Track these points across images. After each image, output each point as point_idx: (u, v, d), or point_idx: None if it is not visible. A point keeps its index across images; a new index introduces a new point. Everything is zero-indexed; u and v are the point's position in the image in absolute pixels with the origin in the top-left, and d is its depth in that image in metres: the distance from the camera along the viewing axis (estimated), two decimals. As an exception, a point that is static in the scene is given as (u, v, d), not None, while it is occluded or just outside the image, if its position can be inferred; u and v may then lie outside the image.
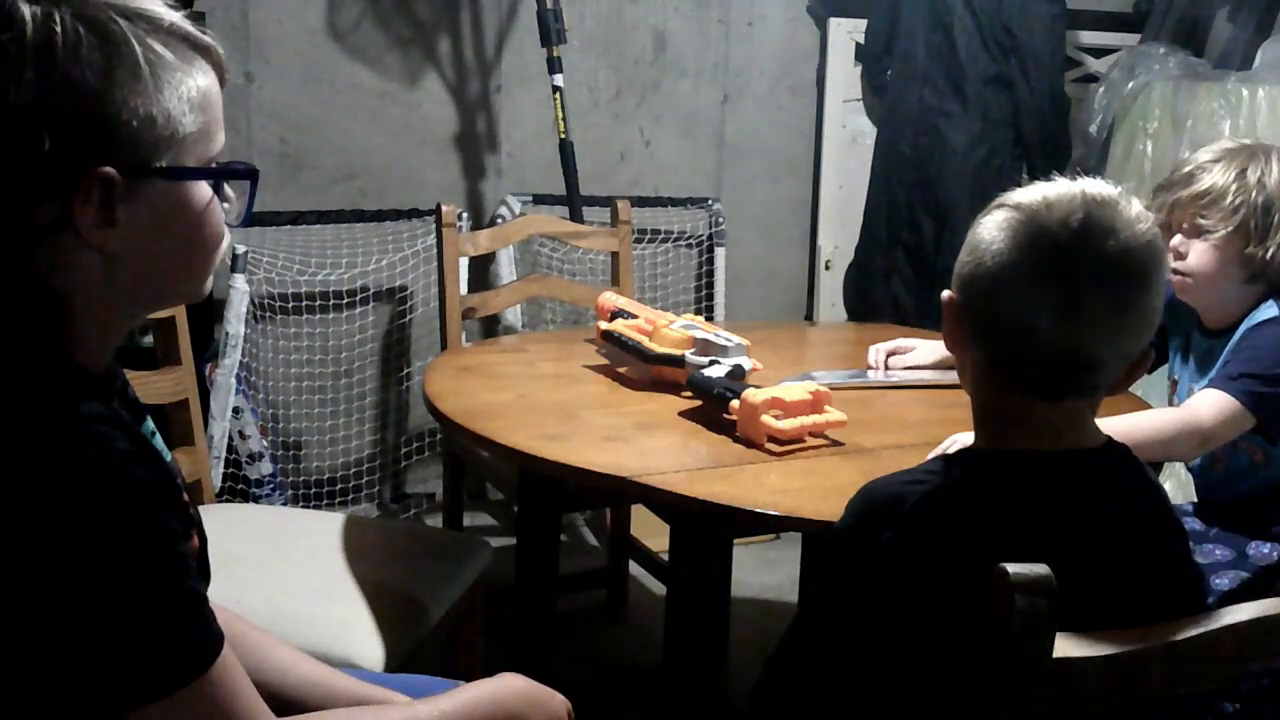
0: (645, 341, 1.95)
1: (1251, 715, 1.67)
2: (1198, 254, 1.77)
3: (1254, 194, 1.71)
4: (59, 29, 0.86)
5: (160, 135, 0.90)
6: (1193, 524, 1.89)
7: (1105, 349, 1.08)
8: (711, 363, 1.83)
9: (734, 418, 1.70)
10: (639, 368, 1.97)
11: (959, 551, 1.05)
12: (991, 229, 1.10)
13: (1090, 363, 1.08)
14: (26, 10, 0.86)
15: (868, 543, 1.09)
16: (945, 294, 1.15)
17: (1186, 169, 1.80)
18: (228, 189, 0.98)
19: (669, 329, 1.95)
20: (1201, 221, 1.76)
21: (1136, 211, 1.09)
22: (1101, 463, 1.12)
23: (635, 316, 2.06)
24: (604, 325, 2.06)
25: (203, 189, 0.95)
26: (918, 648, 1.07)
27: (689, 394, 1.83)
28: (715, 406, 1.74)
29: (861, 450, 1.69)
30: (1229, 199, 1.72)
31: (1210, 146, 1.82)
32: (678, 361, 1.89)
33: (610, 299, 2.15)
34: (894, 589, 1.07)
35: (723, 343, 1.88)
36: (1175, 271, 1.79)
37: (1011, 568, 0.86)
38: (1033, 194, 1.11)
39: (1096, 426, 1.14)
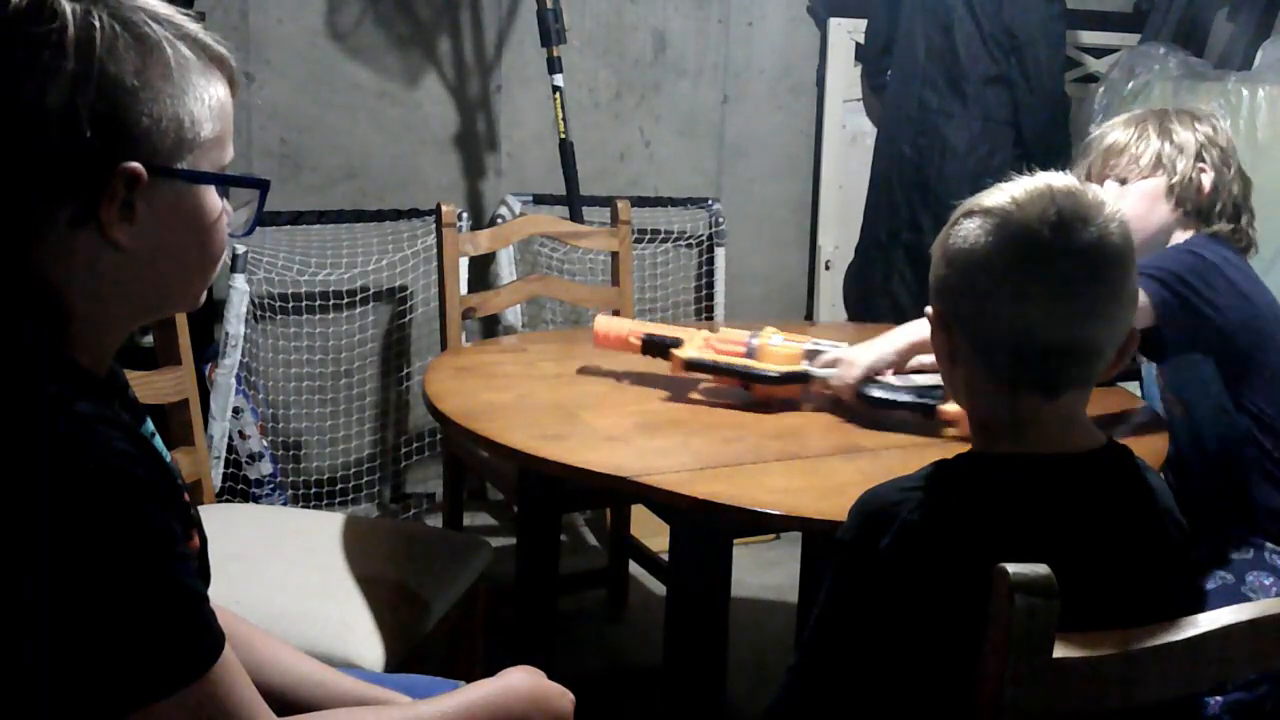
0: (754, 364, 1.87)
1: (1238, 712, 1.67)
2: (1123, 197, 1.89)
3: (1155, 135, 1.90)
4: (98, 26, 0.88)
5: (184, 138, 0.93)
6: None
7: (1102, 334, 1.09)
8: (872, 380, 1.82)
9: (950, 418, 1.72)
10: (739, 391, 1.90)
11: (956, 556, 1.05)
12: (967, 237, 1.11)
13: (1089, 352, 1.09)
14: (67, 6, 0.87)
15: (867, 551, 1.09)
16: (928, 309, 1.16)
17: (1094, 135, 2.00)
18: (227, 203, 0.99)
19: (771, 345, 1.89)
20: (1117, 169, 1.92)
21: (1101, 197, 1.12)
22: (1100, 464, 1.12)
23: (678, 340, 1.94)
24: (684, 355, 1.91)
25: (214, 197, 0.97)
26: (921, 652, 1.07)
27: (811, 407, 1.85)
28: (915, 412, 1.77)
29: (861, 450, 1.69)
30: (1135, 146, 1.91)
31: (1115, 118, 2.01)
32: (802, 378, 1.86)
33: (618, 326, 2.02)
34: (895, 596, 1.07)
35: (827, 348, 1.87)
36: None
37: (1011, 568, 0.86)
38: (999, 197, 1.11)
39: (1094, 426, 1.14)
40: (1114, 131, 1.95)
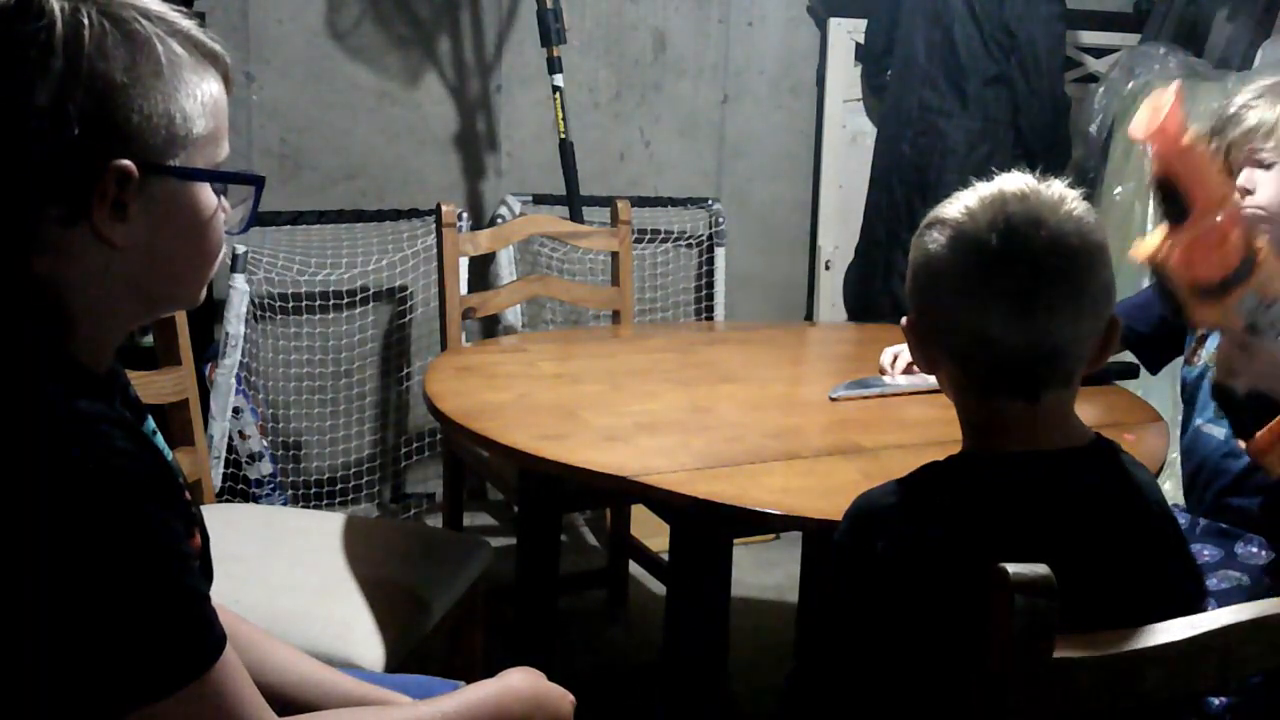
0: None
1: (1239, 712, 1.67)
2: (1265, 185, 1.75)
3: None
4: (87, 23, 0.88)
5: (175, 134, 0.92)
6: (1182, 518, 1.89)
7: (1068, 335, 1.08)
8: None
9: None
10: None
11: (950, 557, 1.06)
12: (929, 249, 1.12)
13: (1057, 352, 1.08)
14: (55, 4, 0.87)
15: (864, 554, 1.09)
16: (904, 319, 1.17)
17: (1231, 111, 1.79)
18: (224, 200, 0.99)
19: None
20: (1262, 155, 1.75)
21: (1059, 194, 1.10)
22: (1089, 462, 1.13)
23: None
24: None
25: (209, 194, 0.96)
26: (920, 653, 1.07)
27: None
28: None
29: (861, 450, 1.69)
30: None
31: (1248, 87, 1.81)
32: None
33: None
34: (893, 598, 1.08)
35: None
36: (1249, 209, 1.73)
37: (1011, 568, 0.86)
38: (956, 207, 1.12)
39: (1081, 423, 1.15)
40: (1259, 108, 1.74)
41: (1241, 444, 1.56)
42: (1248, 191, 1.76)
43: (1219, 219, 1.39)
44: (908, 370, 2.03)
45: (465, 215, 3.16)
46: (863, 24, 3.60)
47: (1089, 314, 1.09)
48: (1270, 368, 1.49)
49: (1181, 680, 0.94)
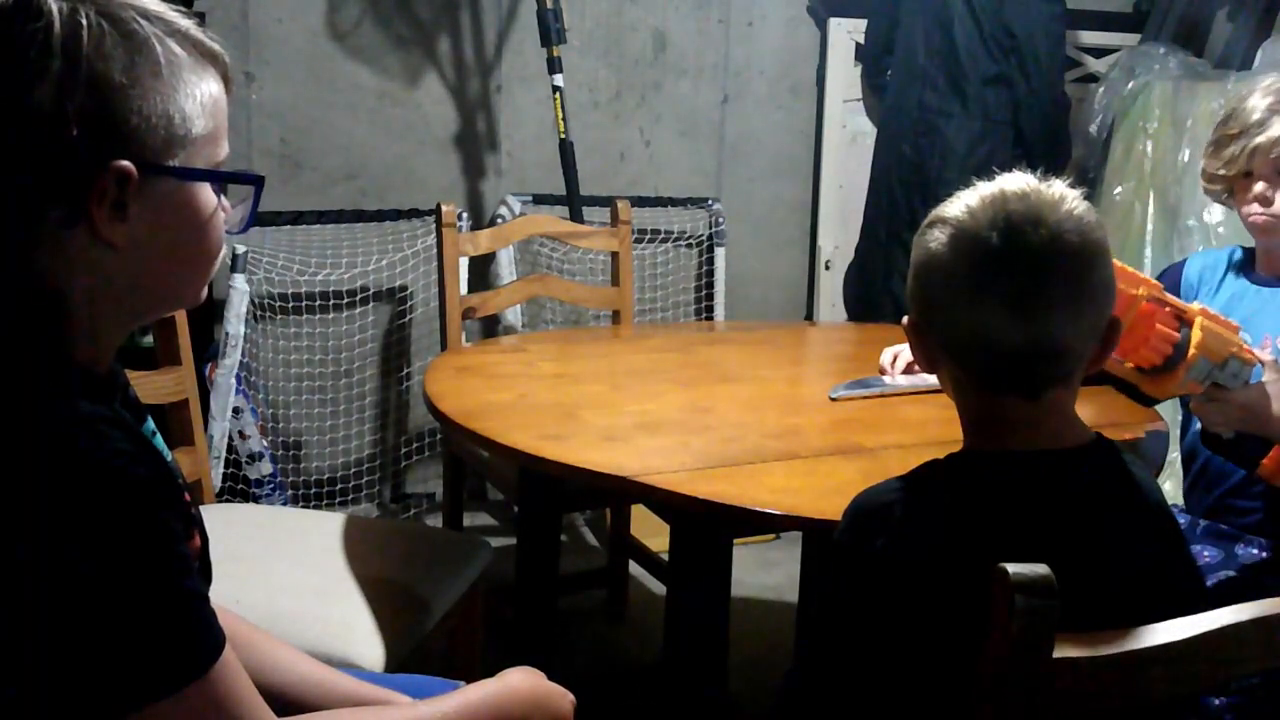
0: None
1: (1239, 712, 1.67)
2: None
3: None
4: (85, 24, 0.87)
5: (175, 135, 0.92)
6: (1182, 519, 1.89)
7: (1069, 333, 1.09)
8: None
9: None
10: None
11: (949, 555, 1.06)
12: (929, 248, 1.12)
13: (1057, 351, 1.09)
14: (53, 5, 0.87)
15: (863, 553, 1.09)
16: (905, 320, 1.17)
17: (1255, 117, 1.76)
18: (224, 200, 0.99)
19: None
20: None
21: (1059, 193, 1.11)
22: (1089, 461, 1.13)
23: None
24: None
25: (209, 193, 0.96)
26: (919, 652, 1.07)
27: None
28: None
29: (861, 450, 1.69)
30: None
31: (1261, 88, 1.78)
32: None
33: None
34: (892, 596, 1.08)
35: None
36: (1264, 215, 1.75)
37: (1011, 568, 0.85)
38: (957, 206, 1.12)
39: (1082, 423, 1.15)
40: (1278, 115, 1.71)
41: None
42: (1268, 200, 1.75)
43: (1140, 310, 1.42)
44: (908, 370, 2.03)
45: (465, 215, 3.16)
46: (863, 24, 3.60)
47: (1089, 312, 1.10)
48: (1245, 412, 1.57)
49: (1181, 680, 0.94)
